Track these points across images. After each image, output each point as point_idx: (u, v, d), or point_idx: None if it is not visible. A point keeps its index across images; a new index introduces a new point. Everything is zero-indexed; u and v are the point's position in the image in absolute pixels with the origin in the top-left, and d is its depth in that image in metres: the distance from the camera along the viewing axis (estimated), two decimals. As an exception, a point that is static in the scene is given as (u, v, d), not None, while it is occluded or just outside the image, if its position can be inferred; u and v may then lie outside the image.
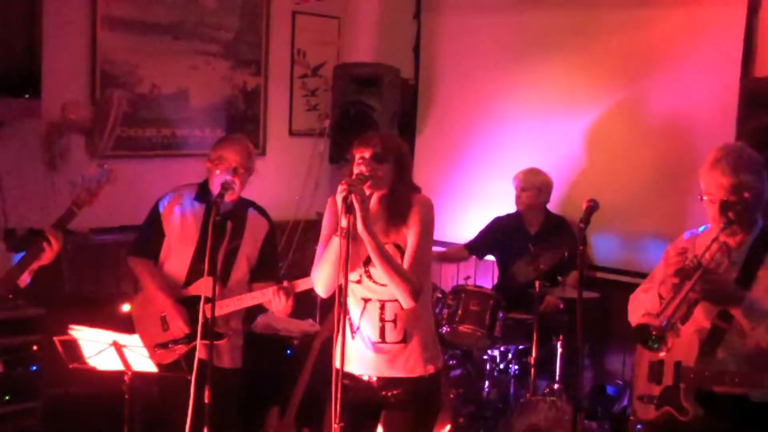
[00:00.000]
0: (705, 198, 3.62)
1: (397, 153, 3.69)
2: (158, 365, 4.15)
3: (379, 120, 6.40)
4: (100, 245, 5.55)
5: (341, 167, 6.39)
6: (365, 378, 3.73)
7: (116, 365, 4.07)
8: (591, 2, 6.16)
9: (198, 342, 3.92)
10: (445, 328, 5.46)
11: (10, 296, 4.66)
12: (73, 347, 4.04)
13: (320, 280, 3.70)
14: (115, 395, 4.19)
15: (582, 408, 4.80)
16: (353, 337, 3.72)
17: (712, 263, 3.52)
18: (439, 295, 5.55)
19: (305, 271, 3.97)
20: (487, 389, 5.64)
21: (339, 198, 3.42)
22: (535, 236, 5.89)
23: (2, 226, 5.23)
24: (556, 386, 5.33)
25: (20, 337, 4.89)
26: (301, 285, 4.21)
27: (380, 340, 3.71)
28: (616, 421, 5.53)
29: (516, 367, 5.59)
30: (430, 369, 3.77)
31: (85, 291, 5.54)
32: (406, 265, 3.62)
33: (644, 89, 5.96)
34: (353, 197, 3.40)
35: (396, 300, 3.65)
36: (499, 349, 5.60)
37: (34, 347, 4.92)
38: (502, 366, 5.65)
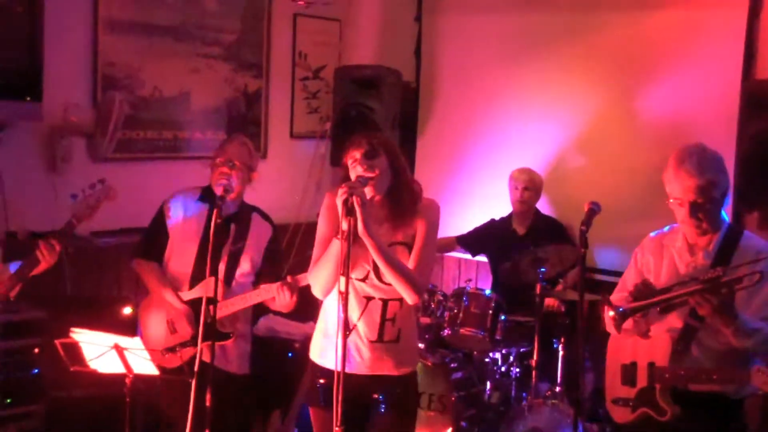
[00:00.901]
0: (672, 201, 3.64)
1: (386, 146, 3.71)
2: (162, 369, 4.15)
3: (380, 122, 6.40)
4: (101, 248, 5.55)
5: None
6: (355, 378, 3.69)
7: (117, 368, 4.08)
8: (593, 5, 6.16)
9: (199, 342, 3.92)
10: (446, 331, 5.47)
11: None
12: (74, 350, 4.05)
13: (318, 282, 3.72)
14: (116, 398, 4.19)
15: (583, 410, 4.81)
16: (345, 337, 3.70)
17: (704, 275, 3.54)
18: (441, 298, 5.55)
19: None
20: (488, 392, 5.63)
21: (339, 201, 3.43)
22: (524, 237, 5.90)
23: (3, 229, 5.24)
24: (557, 389, 5.34)
25: (22, 340, 4.88)
26: (305, 280, 4.21)
27: (377, 338, 3.74)
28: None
29: (517, 369, 5.59)
30: (412, 367, 3.87)
31: (86, 294, 5.53)
32: (412, 264, 3.67)
33: (645, 92, 5.96)
34: (354, 200, 3.41)
35: (397, 299, 3.70)
36: (500, 351, 5.60)
37: (36, 350, 4.91)
38: (503, 369, 5.65)
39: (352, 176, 3.63)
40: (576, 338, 4.03)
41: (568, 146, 6.25)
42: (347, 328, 3.42)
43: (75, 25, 5.61)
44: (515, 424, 5.21)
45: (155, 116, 6.07)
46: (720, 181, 3.61)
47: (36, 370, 4.93)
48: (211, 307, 3.89)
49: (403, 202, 3.70)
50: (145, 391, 4.37)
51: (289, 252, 6.42)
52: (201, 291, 4.36)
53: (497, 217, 6.21)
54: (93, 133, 5.64)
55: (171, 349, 4.43)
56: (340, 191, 3.45)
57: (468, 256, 6.46)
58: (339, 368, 3.37)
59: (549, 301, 5.57)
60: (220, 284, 4.12)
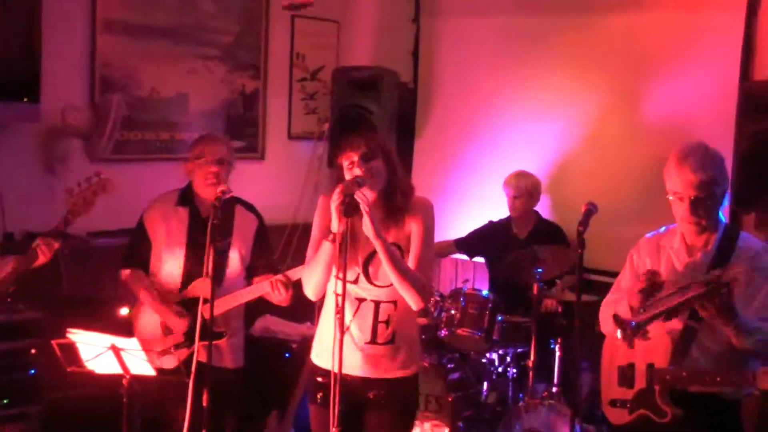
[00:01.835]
0: (672, 197, 3.64)
1: (383, 148, 3.72)
2: (160, 371, 4.16)
3: (377, 123, 6.40)
4: (98, 249, 5.54)
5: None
6: (350, 379, 3.70)
7: (114, 368, 4.08)
8: (590, 5, 6.16)
9: (196, 343, 3.92)
10: (443, 332, 5.48)
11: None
12: (71, 351, 4.05)
13: (310, 283, 3.74)
14: (113, 398, 4.19)
15: (580, 411, 4.80)
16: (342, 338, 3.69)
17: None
18: (438, 299, 5.55)
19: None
20: (485, 392, 5.63)
21: (335, 204, 3.44)
22: (524, 242, 5.87)
23: (1, 230, 5.24)
24: (554, 389, 5.33)
25: (19, 340, 4.89)
26: (296, 273, 4.24)
27: (371, 340, 3.73)
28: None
29: (514, 370, 5.59)
30: (413, 370, 3.83)
31: (83, 294, 5.53)
32: (412, 266, 3.66)
33: (643, 92, 5.96)
34: (362, 202, 3.43)
35: (390, 301, 3.68)
36: (497, 352, 5.60)
37: (33, 351, 4.91)
38: (500, 369, 5.65)
39: (348, 177, 3.62)
40: (573, 339, 4.02)
41: (565, 147, 6.25)
42: (338, 325, 3.43)
43: (73, 27, 5.61)
44: (512, 424, 5.21)
45: (153, 117, 6.07)
46: (721, 179, 3.61)
47: (33, 371, 4.93)
48: (206, 307, 3.88)
49: (396, 203, 3.70)
50: (142, 392, 4.37)
51: (286, 253, 6.42)
52: (194, 292, 4.38)
53: (495, 219, 6.20)
54: (90, 135, 5.65)
55: (166, 351, 4.43)
56: (337, 191, 3.46)
57: (465, 257, 6.45)
58: (336, 369, 3.38)
59: (546, 302, 5.57)
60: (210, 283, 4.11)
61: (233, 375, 4.60)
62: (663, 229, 3.84)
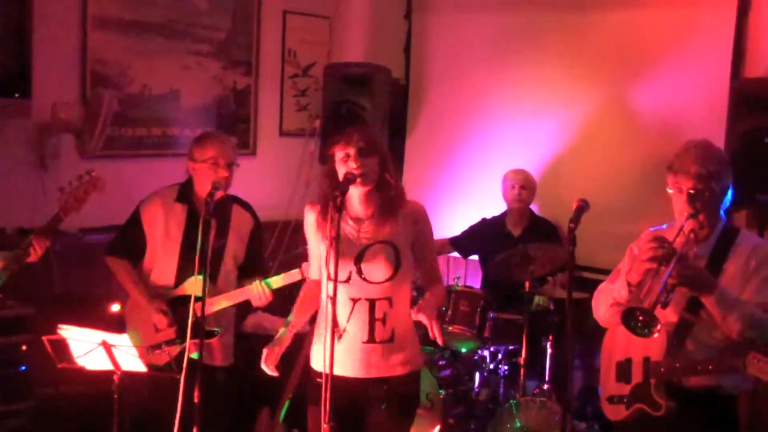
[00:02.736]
0: (671, 190, 3.66)
1: (379, 145, 3.72)
2: (151, 367, 4.14)
3: (369, 120, 6.40)
4: (89, 245, 5.53)
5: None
6: (350, 380, 3.70)
7: (105, 365, 4.06)
8: (581, 2, 6.18)
9: (188, 341, 3.91)
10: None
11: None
12: (62, 347, 4.03)
13: (303, 321, 3.98)
14: (104, 395, 4.18)
15: (571, 408, 4.80)
16: (339, 341, 3.63)
17: (685, 249, 3.54)
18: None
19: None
20: (476, 389, 5.64)
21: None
22: (518, 239, 5.89)
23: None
24: (545, 387, 5.34)
25: (9, 336, 4.88)
26: (279, 282, 4.37)
27: (369, 339, 3.70)
28: (605, 421, 5.53)
29: (506, 367, 5.60)
30: (413, 367, 3.80)
31: (74, 291, 5.52)
32: (430, 274, 3.80)
33: (634, 90, 5.98)
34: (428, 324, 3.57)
35: (385, 298, 3.67)
36: (488, 349, 5.61)
37: (23, 347, 4.91)
38: (491, 366, 5.66)
39: (341, 171, 3.61)
40: (564, 336, 4.02)
41: (557, 144, 6.26)
42: (336, 331, 3.47)
43: (64, 22, 5.59)
44: (503, 422, 5.22)
45: (144, 113, 6.06)
46: (721, 174, 3.62)
47: (23, 367, 4.92)
48: (198, 306, 3.87)
49: (388, 198, 3.68)
50: (133, 388, 4.36)
51: (277, 250, 6.42)
52: (187, 289, 4.37)
53: (488, 216, 6.21)
54: (82, 130, 5.63)
55: (156, 347, 4.42)
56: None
57: (457, 254, 6.46)
58: (327, 370, 3.37)
59: (538, 300, 5.58)
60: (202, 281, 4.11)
61: (223, 372, 4.59)
62: (665, 225, 3.84)
